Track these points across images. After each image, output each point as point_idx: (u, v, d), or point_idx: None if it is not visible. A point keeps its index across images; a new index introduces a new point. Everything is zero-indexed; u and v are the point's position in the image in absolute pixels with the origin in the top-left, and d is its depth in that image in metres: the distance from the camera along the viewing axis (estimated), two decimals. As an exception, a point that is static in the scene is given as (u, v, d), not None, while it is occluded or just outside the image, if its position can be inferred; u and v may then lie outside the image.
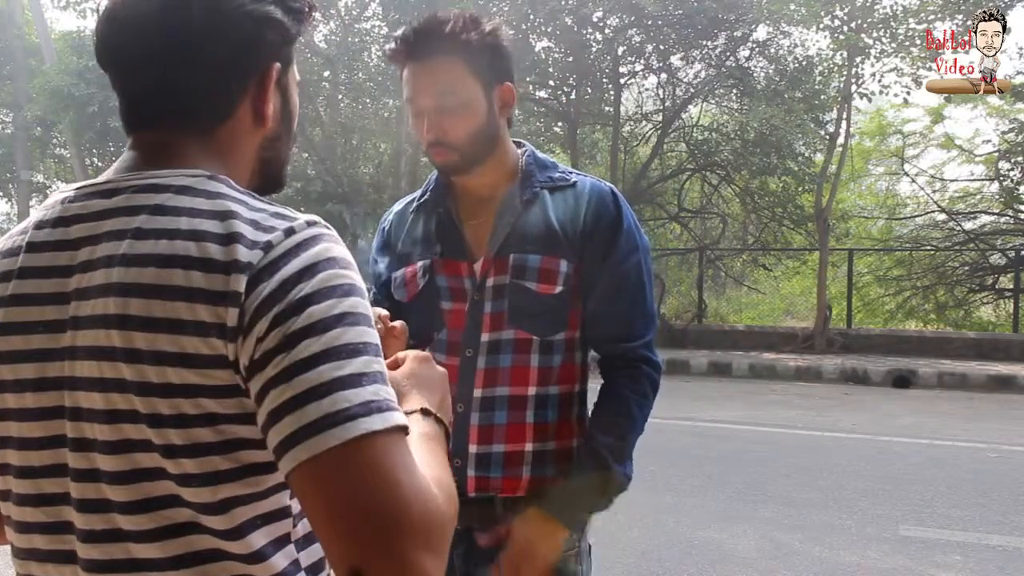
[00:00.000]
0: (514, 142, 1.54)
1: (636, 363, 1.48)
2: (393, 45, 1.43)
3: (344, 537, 0.67)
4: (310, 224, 0.77)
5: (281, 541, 0.78)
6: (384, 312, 1.35)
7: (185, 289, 0.72)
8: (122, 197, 0.78)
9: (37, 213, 0.84)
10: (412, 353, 0.96)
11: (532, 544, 1.40)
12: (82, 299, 0.76)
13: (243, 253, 0.72)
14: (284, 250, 0.73)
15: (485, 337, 1.44)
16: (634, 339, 1.48)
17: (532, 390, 1.44)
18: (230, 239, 0.73)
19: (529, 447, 1.44)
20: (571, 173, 1.52)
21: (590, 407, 1.53)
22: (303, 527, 0.80)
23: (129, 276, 0.73)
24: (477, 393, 1.44)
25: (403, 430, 0.71)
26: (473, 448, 1.43)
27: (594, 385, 1.52)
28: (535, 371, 1.45)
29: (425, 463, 0.74)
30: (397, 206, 1.63)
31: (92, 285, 0.75)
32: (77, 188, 0.82)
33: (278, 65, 0.86)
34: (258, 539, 0.76)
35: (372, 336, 0.74)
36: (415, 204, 1.58)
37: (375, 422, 0.69)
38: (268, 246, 0.73)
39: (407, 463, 0.70)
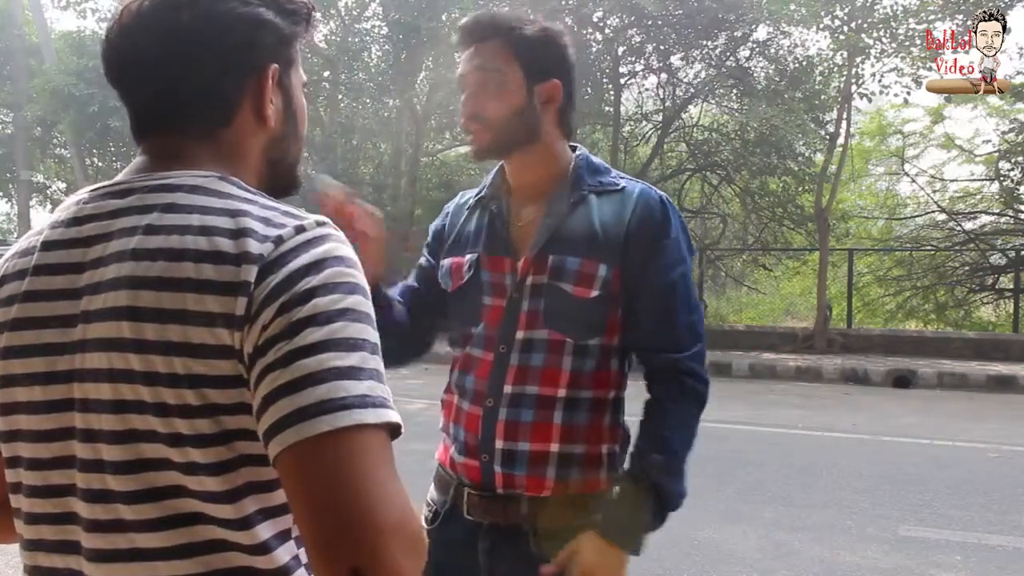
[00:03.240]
0: (570, 146, 1.55)
1: (683, 376, 1.45)
2: (457, 33, 1.50)
3: (321, 523, 0.68)
4: (320, 224, 0.79)
5: (284, 535, 0.79)
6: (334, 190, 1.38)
7: (195, 281, 0.74)
8: (135, 197, 0.81)
9: (54, 214, 0.86)
10: None
11: (594, 570, 1.38)
12: (94, 294, 0.78)
13: (254, 246, 0.75)
14: (294, 245, 0.76)
15: (520, 335, 1.45)
16: (681, 351, 1.45)
17: (563, 392, 1.44)
18: (241, 233, 0.75)
19: (555, 448, 1.44)
20: (621, 179, 1.52)
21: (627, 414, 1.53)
22: None
23: (140, 269, 0.75)
24: (507, 389, 1.45)
25: (394, 429, 0.73)
26: (499, 444, 1.44)
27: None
28: (567, 374, 1.43)
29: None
30: (462, 196, 1.67)
31: (104, 280, 0.77)
32: (91, 190, 0.85)
33: (275, 66, 0.88)
34: (264, 531, 0.77)
35: (372, 335, 0.75)
36: (474, 198, 1.61)
37: (368, 415, 0.71)
38: (279, 240, 0.76)
39: (390, 465, 0.72)
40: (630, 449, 1.48)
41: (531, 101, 1.46)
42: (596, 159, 1.56)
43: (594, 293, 1.43)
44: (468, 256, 1.53)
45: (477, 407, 1.47)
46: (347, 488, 0.68)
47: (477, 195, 1.60)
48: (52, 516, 0.81)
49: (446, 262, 1.57)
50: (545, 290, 1.44)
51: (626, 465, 1.47)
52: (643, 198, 1.47)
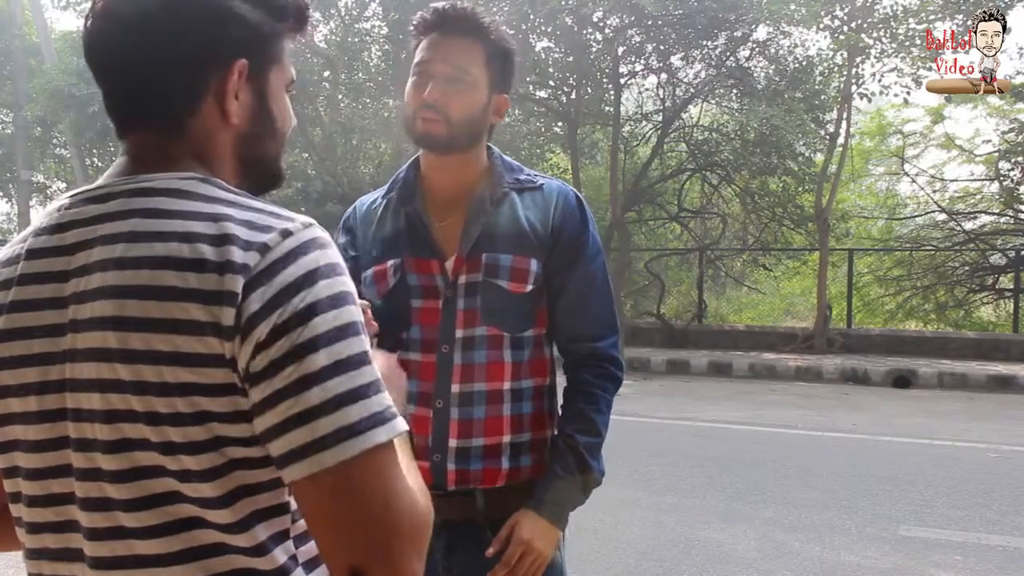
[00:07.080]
0: None
1: (604, 362, 1.54)
2: (427, 15, 1.46)
3: (346, 542, 0.72)
4: (306, 226, 0.78)
5: (280, 536, 0.80)
6: (367, 303, 1.38)
7: (179, 290, 0.73)
8: (116, 202, 0.79)
9: (37, 221, 0.85)
10: (378, 353, 0.97)
11: (530, 544, 1.43)
12: (80, 303, 0.77)
13: (238, 254, 0.73)
14: (282, 253, 0.74)
15: (459, 333, 1.47)
16: (602, 339, 1.55)
17: (507, 384, 1.49)
18: (223, 240, 0.74)
19: (507, 439, 1.49)
20: (537, 176, 1.57)
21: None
22: (301, 524, 0.81)
23: (124, 279, 0.74)
24: (455, 389, 1.47)
25: (403, 436, 0.76)
26: (453, 443, 1.47)
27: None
28: (509, 366, 1.49)
29: (405, 467, 0.78)
30: (361, 204, 1.64)
31: (89, 289, 0.76)
32: (72, 195, 0.83)
33: (243, 62, 0.84)
34: (261, 532, 0.78)
35: (366, 342, 0.76)
36: (380, 201, 1.59)
37: (380, 435, 0.73)
38: (264, 248, 0.74)
39: (401, 472, 0.74)
40: (553, 431, 1.55)
41: (487, 110, 1.48)
42: (507, 157, 1.59)
43: (528, 288, 1.48)
44: (390, 262, 1.51)
45: (425, 409, 1.48)
46: (369, 509, 0.72)
47: (385, 196, 1.59)
48: (54, 525, 0.81)
49: (367, 273, 1.53)
50: (480, 287, 1.47)
51: (552, 445, 1.54)
52: (562, 195, 1.53)
